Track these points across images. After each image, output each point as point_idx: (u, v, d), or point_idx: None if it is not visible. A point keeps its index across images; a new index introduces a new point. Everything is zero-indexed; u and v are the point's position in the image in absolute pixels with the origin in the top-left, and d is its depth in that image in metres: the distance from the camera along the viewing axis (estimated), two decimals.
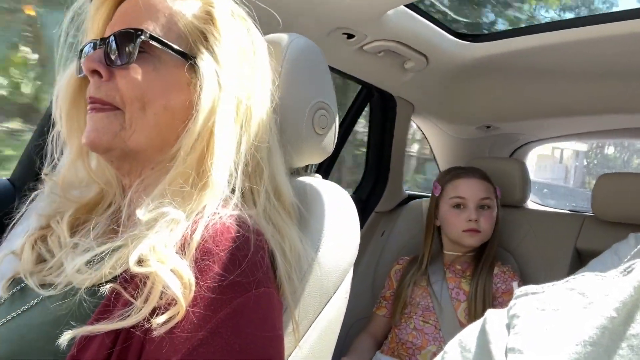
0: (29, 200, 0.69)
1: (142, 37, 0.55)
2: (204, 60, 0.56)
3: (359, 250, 0.72)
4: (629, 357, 0.26)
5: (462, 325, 1.34)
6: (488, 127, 1.92)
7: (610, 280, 0.31)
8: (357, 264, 0.71)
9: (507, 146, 2.21)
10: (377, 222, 1.83)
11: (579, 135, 2.11)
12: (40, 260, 0.61)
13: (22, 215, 0.69)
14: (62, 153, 0.67)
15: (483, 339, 0.33)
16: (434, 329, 1.36)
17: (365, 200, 1.76)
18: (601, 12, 1.23)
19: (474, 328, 0.36)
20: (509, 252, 1.56)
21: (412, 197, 1.91)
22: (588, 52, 1.29)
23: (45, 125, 0.86)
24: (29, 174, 0.90)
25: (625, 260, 1.06)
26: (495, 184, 1.59)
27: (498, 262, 1.44)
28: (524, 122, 1.92)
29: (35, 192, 0.70)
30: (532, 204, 2.14)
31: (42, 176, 0.68)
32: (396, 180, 1.79)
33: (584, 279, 0.33)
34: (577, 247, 1.48)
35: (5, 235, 0.75)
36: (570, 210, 2.13)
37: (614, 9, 1.20)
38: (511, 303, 0.35)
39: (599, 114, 1.67)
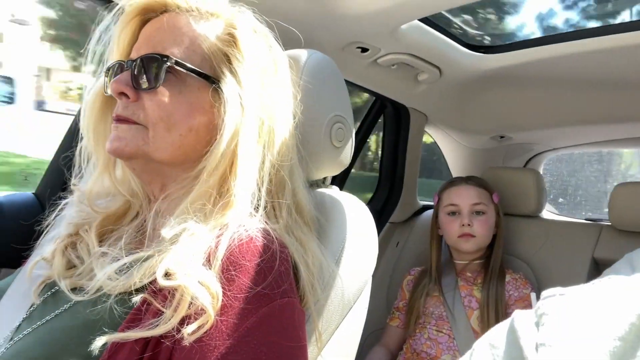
0: (58, 209, 0.72)
1: (168, 62, 0.57)
2: (227, 84, 0.58)
3: None
4: None
5: (476, 333, 1.34)
6: (502, 137, 1.93)
7: (637, 282, 0.32)
8: (372, 275, 0.73)
9: (521, 156, 2.20)
10: (391, 233, 1.84)
11: (594, 144, 2.10)
12: (70, 266, 0.63)
13: (51, 224, 0.72)
14: (87, 165, 0.70)
15: (512, 335, 0.34)
16: (448, 338, 1.36)
17: (380, 211, 1.77)
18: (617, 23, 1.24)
19: (501, 327, 0.37)
20: (525, 263, 1.56)
21: (426, 207, 1.91)
22: (601, 62, 1.29)
23: (71, 139, 0.89)
24: (57, 186, 0.93)
25: None
26: (509, 194, 1.59)
27: (509, 270, 1.44)
28: (537, 132, 1.91)
29: (65, 201, 0.72)
30: (548, 213, 2.13)
31: (71, 187, 0.71)
32: (410, 191, 1.80)
33: (610, 281, 0.34)
34: (595, 256, 1.47)
35: (37, 242, 0.77)
36: (587, 220, 2.12)
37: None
38: (539, 304, 0.36)
39: (613, 122, 1.67)
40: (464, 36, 1.36)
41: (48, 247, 0.66)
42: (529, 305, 1.35)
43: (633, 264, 1.12)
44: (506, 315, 1.35)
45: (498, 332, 0.36)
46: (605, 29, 1.20)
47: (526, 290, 1.38)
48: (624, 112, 1.56)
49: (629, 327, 0.29)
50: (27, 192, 1.04)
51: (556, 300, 0.34)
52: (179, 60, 0.58)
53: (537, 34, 1.33)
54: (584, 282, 1.24)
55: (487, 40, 1.46)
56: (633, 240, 1.27)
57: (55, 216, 0.71)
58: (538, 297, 1.35)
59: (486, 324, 1.33)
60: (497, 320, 1.32)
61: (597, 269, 1.45)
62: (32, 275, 0.64)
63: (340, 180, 1.61)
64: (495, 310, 1.33)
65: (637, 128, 1.71)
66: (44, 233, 0.71)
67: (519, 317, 0.35)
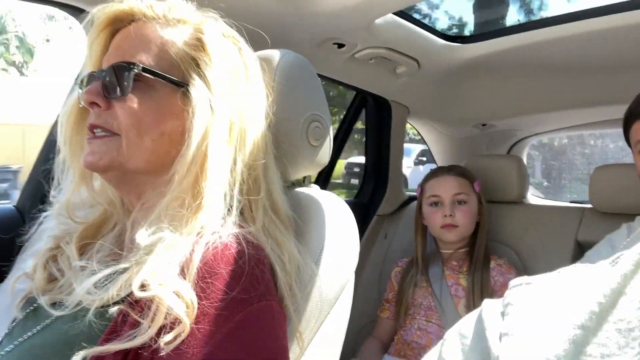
0: (38, 223, 0.72)
1: (135, 70, 0.58)
2: (196, 87, 0.58)
3: (363, 254, 0.74)
4: (616, 340, 0.28)
5: None
6: (484, 125, 1.95)
7: (599, 270, 0.33)
8: (361, 268, 0.73)
9: (504, 142, 2.23)
10: (379, 226, 1.85)
11: (575, 127, 2.13)
12: (52, 279, 0.63)
13: (32, 237, 0.72)
14: (66, 177, 0.70)
15: (479, 326, 0.35)
16: (438, 328, 1.38)
17: (367, 205, 1.78)
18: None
19: (471, 317, 0.38)
20: (511, 249, 1.58)
21: (412, 199, 1.93)
22: (575, 47, 1.31)
23: (49, 151, 0.89)
24: (36, 198, 0.93)
25: (620, 248, 1.08)
26: (492, 181, 1.61)
27: (494, 256, 1.47)
28: (518, 119, 1.94)
29: (44, 214, 0.72)
30: (532, 198, 2.16)
31: (51, 199, 0.71)
32: (396, 183, 1.81)
33: (574, 269, 0.35)
34: (578, 239, 1.49)
35: (18, 256, 0.78)
36: (570, 202, 2.15)
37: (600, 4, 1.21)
38: (506, 293, 0.37)
39: (592, 106, 1.69)
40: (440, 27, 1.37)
41: (30, 262, 0.66)
42: None
43: (613, 244, 1.15)
44: None
45: (468, 322, 0.37)
46: (580, 15, 1.21)
47: (510, 275, 1.40)
48: (602, 95, 1.59)
49: (589, 315, 0.30)
50: (8, 205, 1.03)
51: (522, 290, 0.35)
52: (145, 67, 0.58)
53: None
54: (568, 265, 1.25)
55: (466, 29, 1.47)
56: (614, 222, 1.29)
57: (36, 229, 0.71)
58: None
59: (472, 311, 1.35)
60: None
61: (580, 251, 1.47)
62: (14, 290, 0.64)
63: (324, 178, 1.61)
64: (480, 298, 1.35)
65: (615, 110, 1.73)
66: (24, 246, 0.71)
67: (487, 307, 0.36)
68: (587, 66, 1.42)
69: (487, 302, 0.37)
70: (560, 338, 0.30)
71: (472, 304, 1.36)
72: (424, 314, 1.41)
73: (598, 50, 1.31)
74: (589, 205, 1.55)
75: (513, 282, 0.37)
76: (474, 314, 0.37)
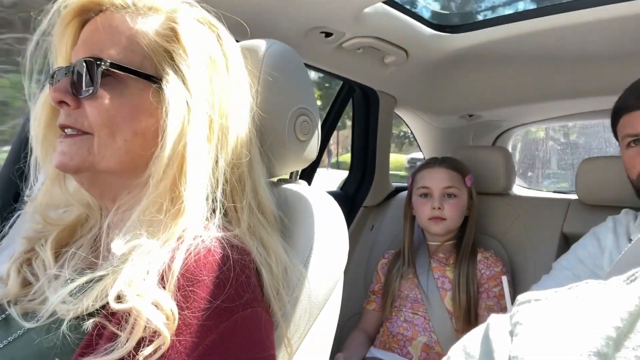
0: (10, 223, 0.68)
1: (103, 66, 0.54)
2: (170, 82, 0.54)
3: (349, 246, 0.71)
4: None
5: (450, 314, 1.36)
6: (470, 115, 1.94)
7: (614, 289, 0.31)
8: (347, 261, 0.71)
9: (490, 133, 2.23)
10: (366, 217, 1.84)
11: (560, 118, 2.13)
12: (26, 283, 0.60)
13: (4, 238, 0.69)
14: (39, 176, 0.67)
15: (487, 345, 0.33)
16: (424, 320, 1.38)
17: (353, 196, 1.77)
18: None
19: (477, 333, 0.36)
20: (497, 240, 1.58)
21: (399, 190, 1.92)
22: (562, 39, 1.30)
23: (21, 149, 0.84)
24: (9, 197, 0.88)
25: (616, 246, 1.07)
26: (479, 172, 1.60)
27: (480, 249, 1.46)
28: (504, 109, 1.93)
29: (17, 214, 0.69)
30: (518, 188, 2.17)
31: (25, 198, 0.67)
32: (382, 174, 1.80)
33: (587, 287, 0.33)
34: (564, 231, 1.50)
35: None
36: (554, 192, 2.17)
37: None
38: (514, 310, 0.35)
39: (577, 97, 1.70)
40: (430, 16, 1.34)
41: (3, 266, 0.63)
42: (499, 284, 1.37)
43: (598, 238, 1.15)
44: (478, 294, 1.37)
45: (473, 339, 0.35)
46: (564, 6, 1.20)
47: (497, 268, 1.40)
48: (586, 86, 1.59)
49: (606, 341, 0.28)
50: None
51: (531, 308, 0.33)
52: (114, 62, 0.54)
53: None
54: (554, 258, 1.24)
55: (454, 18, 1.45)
56: (599, 214, 1.30)
57: (8, 230, 0.68)
58: (509, 280, 1.36)
59: (457, 304, 1.35)
60: (468, 300, 1.35)
61: (566, 243, 1.48)
62: None
63: (308, 174, 1.59)
64: (466, 291, 1.36)
65: (599, 101, 1.74)
66: None
67: (494, 325, 0.34)
68: (573, 58, 1.42)
69: (494, 319, 0.35)
70: None
71: (458, 296, 1.36)
72: (410, 306, 1.41)
73: (584, 42, 1.31)
74: (575, 197, 1.55)
75: (521, 298, 0.35)
76: (479, 330, 0.35)
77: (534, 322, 0.32)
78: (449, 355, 0.36)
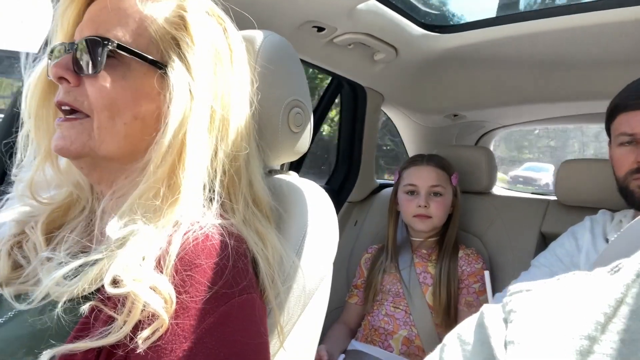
0: None
1: (110, 46, 0.53)
2: (175, 69, 0.54)
3: None
4: (620, 350, 0.28)
5: (431, 308, 1.39)
6: (455, 115, 1.97)
7: (599, 279, 0.33)
8: None
9: (473, 133, 2.27)
10: (349, 212, 1.85)
11: (540, 121, 2.18)
12: (17, 266, 0.59)
13: None
14: (29, 153, 0.65)
15: (482, 332, 0.35)
16: (405, 314, 1.40)
17: (338, 191, 1.78)
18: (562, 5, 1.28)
19: (470, 322, 0.37)
20: (477, 238, 1.62)
21: (383, 186, 1.94)
22: (546, 43, 1.33)
23: (11, 125, 0.83)
24: None
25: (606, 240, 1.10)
26: (461, 171, 1.63)
27: (462, 246, 1.50)
28: (488, 110, 1.97)
29: (6, 196, 0.67)
30: (498, 189, 2.21)
31: (12, 178, 0.66)
32: (367, 170, 1.81)
33: (575, 278, 0.35)
34: (542, 231, 1.54)
35: None
36: (533, 193, 2.22)
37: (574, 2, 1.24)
38: (506, 299, 0.36)
39: (557, 101, 1.74)
40: (420, 15, 1.36)
41: None
42: (481, 280, 1.40)
43: (576, 237, 1.18)
44: (458, 290, 1.40)
45: (468, 327, 0.37)
46: (550, 12, 1.24)
47: (477, 265, 1.43)
48: (566, 91, 1.63)
49: (595, 325, 0.29)
50: None
51: (523, 297, 0.35)
52: (121, 44, 0.54)
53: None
54: (532, 256, 1.28)
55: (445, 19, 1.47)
56: (576, 215, 1.34)
57: None
58: (491, 275, 1.39)
59: (438, 299, 1.38)
60: (449, 295, 1.37)
61: (544, 242, 1.53)
62: None
63: (296, 165, 1.59)
64: (447, 286, 1.39)
65: (579, 106, 1.79)
66: None
67: (489, 313, 0.36)
68: (559, 62, 1.45)
69: (487, 308, 0.37)
70: (567, 348, 0.29)
71: (439, 291, 1.39)
72: (392, 300, 1.43)
73: (570, 46, 1.34)
74: (554, 198, 1.59)
75: (512, 289, 0.37)
76: (472, 319, 0.37)
77: (528, 310, 0.33)
78: (444, 343, 0.37)
